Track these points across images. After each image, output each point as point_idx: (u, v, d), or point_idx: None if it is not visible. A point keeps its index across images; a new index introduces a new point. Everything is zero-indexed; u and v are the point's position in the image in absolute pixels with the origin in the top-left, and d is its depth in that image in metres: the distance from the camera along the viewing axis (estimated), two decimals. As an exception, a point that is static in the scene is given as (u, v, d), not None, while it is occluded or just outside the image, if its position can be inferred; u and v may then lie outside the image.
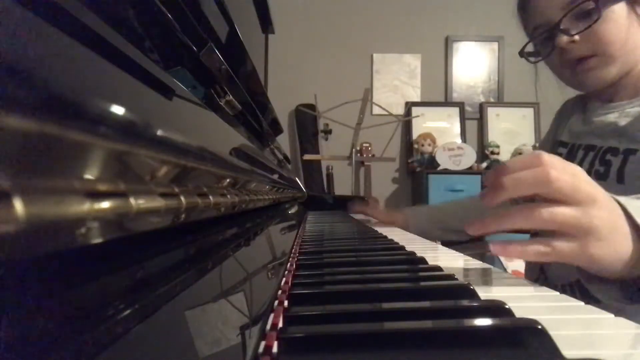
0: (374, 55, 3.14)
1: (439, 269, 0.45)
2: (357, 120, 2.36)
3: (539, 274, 0.87)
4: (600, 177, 0.79)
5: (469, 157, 2.87)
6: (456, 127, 3.11)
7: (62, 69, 0.15)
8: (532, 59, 0.89)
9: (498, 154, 2.96)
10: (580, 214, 0.39)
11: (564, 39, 0.78)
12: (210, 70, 0.48)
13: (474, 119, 3.16)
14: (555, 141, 0.96)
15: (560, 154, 0.91)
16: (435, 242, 0.96)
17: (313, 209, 1.68)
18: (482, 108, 3.14)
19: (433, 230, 1.17)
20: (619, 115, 0.81)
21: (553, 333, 0.24)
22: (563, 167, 0.40)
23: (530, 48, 0.88)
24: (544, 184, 0.40)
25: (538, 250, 0.40)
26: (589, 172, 0.81)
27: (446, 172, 2.81)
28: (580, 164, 0.84)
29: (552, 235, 0.41)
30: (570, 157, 0.88)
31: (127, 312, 0.17)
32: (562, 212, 0.39)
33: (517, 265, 2.18)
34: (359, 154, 2.59)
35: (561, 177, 0.40)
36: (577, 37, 0.78)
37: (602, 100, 0.85)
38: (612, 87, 0.82)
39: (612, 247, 0.41)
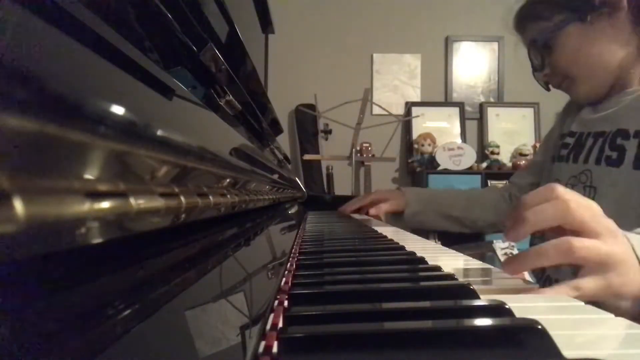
0: (374, 55, 3.14)
1: (439, 269, 0.45)
2: (357, 120, 2.36)
3: (541, 275, 0.87)
4: (612, 163, 0.76)
5: (469, 157, 2.87)
6: (456, 127, 3.10)
7: (62, 68, 0.15)
8: (537, 77, 0.94)
9: (498, 154, 2.96)
10: (606, 247, 0.40)
11: (538, 75, 0.89)
12: (210, 70, 0.48)
13: (474, 119, 3.16)
14: (562, 134, 0.95)
15: (567, 144, 0.90)
16: (435, 239, 0.96)
17: (313, 209, 1.67)
18: (482, 108, 3.14)
19: (429, 213, 1.15)
20: (633, 100, 0.79)
21: (553, 333, 0.24)
22: (578, 199, 0.42)
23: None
24: (565, 215, 0.41)
25: (568, 294, 0.40)
26: (598, 160, 0.79)
27: (446, 172, 2.81)
28: (590, 152, 0.82)
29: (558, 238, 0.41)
30: (578, 145, 0.86)
31: (127, 312, 0.17)
32: (594, 246, 0.40)
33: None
34: (359, 154, 2.59)
35: (580, 208, 0.41)
36: (547, 71, 0.87)
37: (616, 91, 0.84)
38: (620, 78, 0.81)
39: (631, 282, 0.41)
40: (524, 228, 0.42)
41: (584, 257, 0.40)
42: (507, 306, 0.29)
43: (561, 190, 0.42)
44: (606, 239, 0.40)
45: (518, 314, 0.28)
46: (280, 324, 0.27)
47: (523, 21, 0.89)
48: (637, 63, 0.80)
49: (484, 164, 2.91)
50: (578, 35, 0.80)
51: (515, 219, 0.43)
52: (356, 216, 1.44)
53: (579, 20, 0.79)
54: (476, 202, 1.14)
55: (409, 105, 3.02)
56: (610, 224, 0.42)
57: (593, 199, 0.78)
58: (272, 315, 0.28)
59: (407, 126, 3.07)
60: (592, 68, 0.81)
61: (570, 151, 0.88)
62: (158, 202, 0.20)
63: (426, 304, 0.31)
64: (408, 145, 3.08)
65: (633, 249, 0.42)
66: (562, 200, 0.41)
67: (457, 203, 1.15)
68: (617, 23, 0.77)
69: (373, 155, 2.82)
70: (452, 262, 0.61)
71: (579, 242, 0.40)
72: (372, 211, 1.17)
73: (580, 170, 0.84)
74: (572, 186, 0.84)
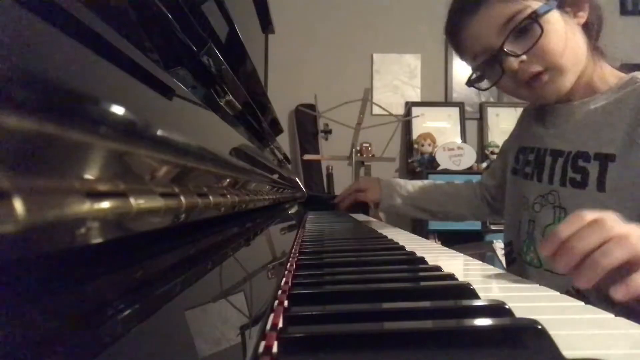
0: (374, 55, 3.14)
1: (438, 269, 0.45)
2: (357, 120, 2.36)
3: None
4: (577, 185, 0.77)
5: (469, 157, 2.87)
6: (456, 127, 3.10)
7: (63, 69, 0.15)
8: (482, 85, 0.88)
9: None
10: None
11: (512, 61, 0.77)
12: (210, 70, 0.48)
13: (474, 119, 3.16)
14: (520, 147, 0.94)
15: (529, 161, 0.89)
16: (434, 239, 0.97)
17: (313, 209, 1.67)
18: (482, 108, 3.13)
19: (404, 206, 1.21)
20: (585, 115, 0.79)
21: (553, 333, 0.24)
22: (634, 232, 0.45)
23: (475, 74, 0.88)
24: (632, 251, 0.43)
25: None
26: (563, 181, 0.79)
27: (446, 172, 2.80)
28: (552, 171, 0.82)
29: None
30: (537, 162, 0.86)
31: (127, 312, 0.17)
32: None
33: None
34: (359, 154, 2.59)
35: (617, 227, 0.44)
36: (525, 57, 0.76)
37: (561, 102, 0.83)
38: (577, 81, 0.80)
39: None
40: (595, 272, 0.43)
41: None
42: (507, 306, 0.29)
43: (609, 224, 0.44)
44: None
45: (518, 314, 0.28)
46: (280, 324, 0.27)
47: None
48: (590, 70, 0.80)
49: (484, 164, 2.91)
50: (563, 22, 0.76)
51: (558, 251, 0.45)
52: (356, 216, 1.44)
53: (559, 7, 0.76)
54: (451, 198, 1.20)
55: (409, 105, 3.02)
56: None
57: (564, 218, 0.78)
58: (272, 315, 0.28)
59: (407, 126, 3.07)
60: (575, 59, 0.78)
61: (533, 169, 0.88)
62: (158, 202, 0.20)
63: (426, 303, 0.31)
64: (408, 145, 3.08)
65: None
66: (622, 237, 0.43)
67: (433, 198, 1.21)
68: (574, 25, 0.77)
69: (373, 155, 2.82)
70: (452, 262, 0.61)
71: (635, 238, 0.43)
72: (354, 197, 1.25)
73: (547, 191, 0.83)
74: (542, 206, 0.84)
